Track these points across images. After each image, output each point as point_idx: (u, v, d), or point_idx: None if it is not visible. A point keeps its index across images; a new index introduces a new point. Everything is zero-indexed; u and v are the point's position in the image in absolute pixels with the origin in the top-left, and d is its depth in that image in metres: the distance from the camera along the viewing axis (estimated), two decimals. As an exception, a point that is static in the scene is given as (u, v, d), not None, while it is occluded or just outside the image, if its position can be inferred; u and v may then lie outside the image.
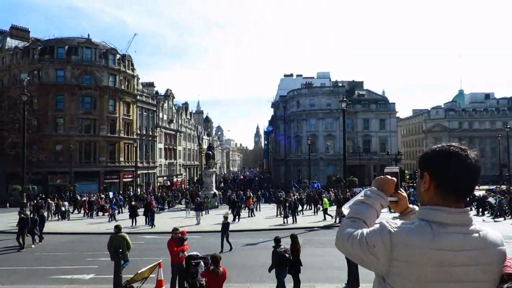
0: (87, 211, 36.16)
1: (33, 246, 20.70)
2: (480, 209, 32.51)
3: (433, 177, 1.79)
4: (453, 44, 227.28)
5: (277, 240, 11.05)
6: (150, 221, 28.37)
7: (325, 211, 30.41)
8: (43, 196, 40.65)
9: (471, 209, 23.33)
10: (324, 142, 73.28)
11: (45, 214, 27.90)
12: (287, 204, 29.46)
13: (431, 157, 1.83)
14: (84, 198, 40.48)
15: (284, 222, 28.49)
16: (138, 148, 61.86)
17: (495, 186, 48.59)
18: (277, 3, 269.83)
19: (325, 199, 32.52)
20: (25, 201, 30.63)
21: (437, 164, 1.79)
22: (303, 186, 55.50)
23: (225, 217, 18.89)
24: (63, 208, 34.32)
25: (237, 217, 30.44)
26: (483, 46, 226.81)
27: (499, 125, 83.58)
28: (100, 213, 36.39)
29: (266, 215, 33.91)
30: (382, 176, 2.00)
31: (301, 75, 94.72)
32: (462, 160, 1.75)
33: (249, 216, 32.91)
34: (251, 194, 39.33)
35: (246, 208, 34.70)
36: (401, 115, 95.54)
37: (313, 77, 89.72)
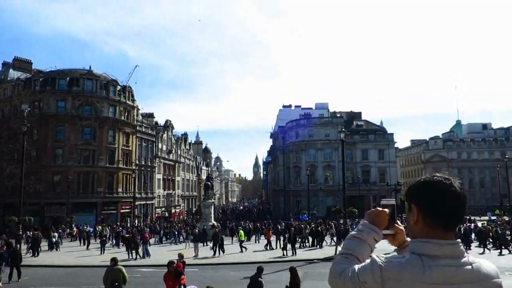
0: (86, 241, 35.86)
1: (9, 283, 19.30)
2: (482, 242, 31.34)
3: (420, 209, 1.78)
4: (449, 75, 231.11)
5: (260, 269, 11.41)
6: (146, 253, 28.21)
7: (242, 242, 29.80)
8: (36, 227, 40.07)
9: (473, 241, 22.70)
10: (323, 173, 73.15)
11: (24, 246, 27.11)
12: (286, 236, 29.07)
13: (416, 189, 1.83)
14: (88, 229, 40.39)
15: (283, 254, 28.04)
16: (136, 178, 61.56)
17: (496, 217, 48.15)
18: (275, 36, 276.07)
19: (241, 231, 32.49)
20: (20, 232, 30.17)
21: (423, 196, 1.78)
22: (294, 217, 54.64)
23: (213, 226, 18.61)
24: (53, 239, 33.87)
25: (243, 248, 30.29)
26: (479, 77, 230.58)
27: (498, 155, 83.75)
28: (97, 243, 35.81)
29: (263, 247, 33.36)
30: (374, 209, 1.98)
31: (299, 106, 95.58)
32: (446, 190, 1.74)
33: (265, 249, 31.92)
34: (268, 226, 38.67)
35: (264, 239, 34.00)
36: (399, 146, 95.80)
37: (311, 108, 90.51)
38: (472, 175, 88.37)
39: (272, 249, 30.10)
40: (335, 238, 31.17)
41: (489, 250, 29.32)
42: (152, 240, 33.94)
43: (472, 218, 44.86)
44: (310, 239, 33.47)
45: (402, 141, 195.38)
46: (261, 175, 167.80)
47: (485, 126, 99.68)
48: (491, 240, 31.15)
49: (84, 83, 58.01)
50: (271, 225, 40.45)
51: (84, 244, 36.19)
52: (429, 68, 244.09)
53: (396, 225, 1.97)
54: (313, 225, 36.85)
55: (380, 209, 1.94)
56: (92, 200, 55.62)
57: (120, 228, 42.81)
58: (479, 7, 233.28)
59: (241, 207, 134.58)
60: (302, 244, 32.78)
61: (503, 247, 28.38)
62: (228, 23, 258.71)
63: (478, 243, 31.32)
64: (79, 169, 55.05)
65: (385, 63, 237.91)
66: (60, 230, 39.28)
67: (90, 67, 60.45)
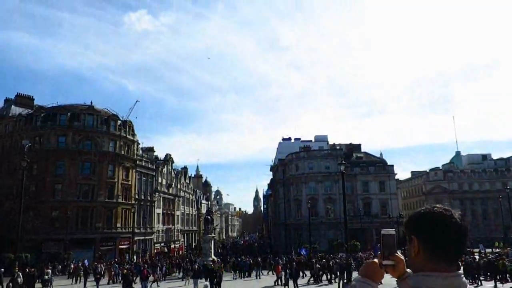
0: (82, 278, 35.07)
1: None
2: (492, 275, 29.90)
3: (421, 241, 1.76)
4: (447, 106, 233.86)
5: None
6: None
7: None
8: (32, 265, 39.25)
9: (480, 275, 22.11)
10: (324, 206, 72.56)
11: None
12: (287, 271, 28.47)
13: (416, 220, 1.82)
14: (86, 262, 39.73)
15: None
16: (135, 213, 60.94)
17: (502, 249, 47.32)
18: (274, 70, 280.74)
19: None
20: (17, 270, 29.54)
21: (423, 228, 1.77)
22: (294, 252, 53.61)
23: (214, 261, 18.08)
24: (46, 276, 33.01)
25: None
26: (477, 108, 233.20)
27: (499, 186, 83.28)
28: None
29: (267, 283, 32.58)
30: (365, 262, 1.97)
31: (299, 139, 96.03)
32: (447, 221, 1.72)
33: (275, 285, 31.11)
34: (279, 261, 37.61)
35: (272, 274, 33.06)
36: (399, 177, 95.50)
37: (311, 141, 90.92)
38: (474, 206, 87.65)
39: (286, 285, 28.68)
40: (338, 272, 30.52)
41: (502, 283, 27.96)
42: (151, 277, 33.17)
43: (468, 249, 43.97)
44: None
45: (402, 172, 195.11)
46: (262, 208, 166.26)
47: (484, 157, 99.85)
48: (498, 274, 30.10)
49: (85, 118, 58.51)
50: (280, 259, 39.55)
51: (77, 281, 35.29)
52: (426, 99, 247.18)
53: (396, 254, 1.96)
54: (323, 260, 35.98)
55: (370, 261, 1.92)
56: (90, 236, 54.83)
57: (117, 265, 41.88)
58: (465, 43, 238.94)
59: (242, 242, 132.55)
60: (316, 280, 31.99)
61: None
62: (228, 57, 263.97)
63: (484, 277, 30.30)
64: (78, 204, 54.60)
65: (382, 94, 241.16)
66: (50, 267, 38.42)
67: (91, 102, 61.24)
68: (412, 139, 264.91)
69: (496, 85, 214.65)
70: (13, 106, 63.24)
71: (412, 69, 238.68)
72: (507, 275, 28.80)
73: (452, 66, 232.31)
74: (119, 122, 62.30)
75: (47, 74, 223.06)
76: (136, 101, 70.02)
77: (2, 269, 30.87)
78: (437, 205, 1.82)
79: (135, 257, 55.26)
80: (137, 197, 64.80)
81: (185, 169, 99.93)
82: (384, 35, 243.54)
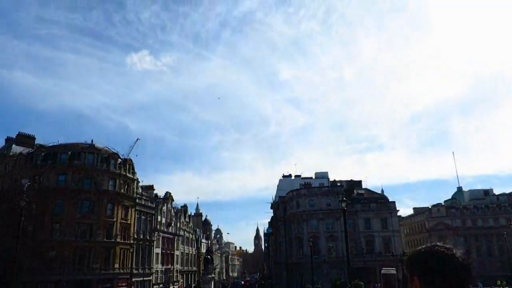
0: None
1: None
2: None
3: (422, 282, 1.72)
4: (446, 141, 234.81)
5: None
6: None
7: None
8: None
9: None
10: (326, 244, 71.32)
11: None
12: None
13: (417, 260, 1.79)
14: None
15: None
16: (134, 253, 59.81)
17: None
18: (273, 106, 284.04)
19: None
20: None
21: (424, 268, 1.73)
22: None
23: None
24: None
25: None
26: (476, 144, 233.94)
27: (503, 222, 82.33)
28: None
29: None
30: None
31: (299, 176, 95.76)
32: (448, 262, 1.69)
33: None
34: None
35: None
36: (402, 213, 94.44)
37: (311, 178, 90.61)
38: (479, 243, 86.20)
39: None
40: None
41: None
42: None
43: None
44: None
45: (404, 209, 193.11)
46: (263, 247, 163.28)
47: (487, 192, 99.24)
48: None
49: (85, 156, 58.62)
50: None
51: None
52: (425, 134, 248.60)
53: None
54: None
55: None
56: (88, 277, 53.51)
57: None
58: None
59: (242, 282, 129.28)
60: None
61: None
62: (228, 95, 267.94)
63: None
64: (76, 244, 53.67)
65: (380, 130, 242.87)
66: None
67: (92, 141, 61.55)
68: (412, 175, 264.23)
69: (494, 120, 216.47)
70: (14, 146, 63.54)
71: (409, 105, 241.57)
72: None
73: (448, 102, 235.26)
74: (119, 160, 62.37)
75: (49, 113, 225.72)
76: (137, 139, 70.42)
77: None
78: (438, 244, 1.79)
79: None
80: (136, 236, 63.81)
81: (184, 207, 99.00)
82: (380, 71, 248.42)
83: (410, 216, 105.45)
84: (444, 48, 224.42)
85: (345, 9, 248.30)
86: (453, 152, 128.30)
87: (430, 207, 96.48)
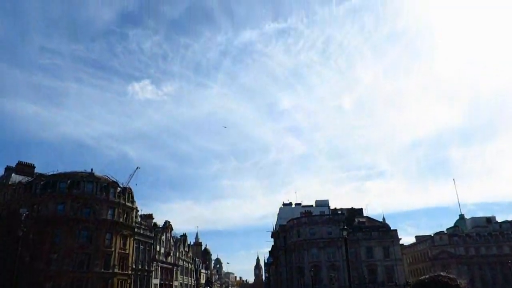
0: None
1: None
2: None
3: None
4: (446, 168, 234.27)
5: None
6: None
7: None
8: None
9: None
10: (328, 273, 70.01)
11: None
12: None
13: None
14: None
15: None
16: (132, 284, 58.63)
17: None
18: (272, 134, 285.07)
19: None
20: None
21: None
22: None
23: None
24: None
25: None
26: (476, 171, 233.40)
27: (507, 250, 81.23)
28: None
29: None
30: None
31: (300, 204, 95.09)
32: None
33: None
34: None
35: None
36: (404, 242, 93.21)
37: (312, 205, 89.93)
38: (482, 271, 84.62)
39: None
40: None
41: None
42: None
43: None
44: None
45: (406, 237, 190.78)
46: (263, 277, 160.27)
47: (489, 220, 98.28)
48: None
49: (84, 185, 58.37)
50: None
51: None
52: (425, 161, 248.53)
53: None
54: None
55: None
56: (84, 309, 52.29)
57: None
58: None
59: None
60: None
61: None
62: (228, 123, 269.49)
63: None
64: (73, 274, 52.67)
65: (380, 157, 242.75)
66: None
67: (91, 170, 61.43)
68: (413, 202, 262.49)
69: (493, 147, 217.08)
70: (13, 174, 63.37)
71: (408, 132, 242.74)
72: None
73: (447, 129, 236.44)
74: (118, 189, 62.07)
75: (50, 142, 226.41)
76: (137, 168, 70.42)
77: None
78: (442, 274, 1.78)
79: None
80: (134, 266, 62.70)
81: (184, 236, 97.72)
82: (379, 99, 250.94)
83: (412, 245, 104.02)
84: (441, 77, 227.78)
85: (343, 39, 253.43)
86: (453, 179, 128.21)
87: (432, 235, 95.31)
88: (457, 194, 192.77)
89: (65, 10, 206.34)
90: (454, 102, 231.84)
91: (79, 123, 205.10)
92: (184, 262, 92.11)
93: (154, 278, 69.99)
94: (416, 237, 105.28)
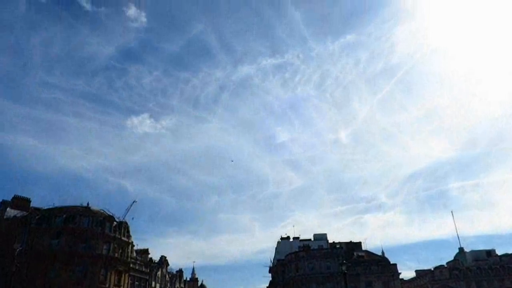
0: None
1: None
2: None
3: None
4: (445, 201, 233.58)
5: None
6: None
7: None
8: None
9: None
10: (328, 309, 68.52)
11: None
12: None
13: None
14: None
15: None
16: (126, 322, 56.96)
17: None
18: (270, 167, 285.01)
19: None
20: None
21: None
22: None
23: None
24: None
25: None
26: (475, 203, 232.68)
27: (508, 284, 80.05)
28: None
29: None
30: None
31: (298, 238, 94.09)
32: None
33: None
34: None
35: None
36: (403, 276, 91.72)
37: (310, 239, 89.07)
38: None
39: None
40: None
41: None
42: None
43: None
44: None
45: (405, 271, 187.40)
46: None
47: (489, 253, 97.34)
48: None
49: (80, 220, 57.80)
50: None
51: None
52: (423, 194, 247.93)
53: None
54: None
55: None
56: None
57: None
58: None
59: None
60: None
61: None
62: (226, 156, 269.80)
63: None
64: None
65: (379, 190, 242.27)
66: None
67: (88, 204, 61.02)
68: (413, 235, 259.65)
69: (490, 179, 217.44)
70: (8, 209, 62.63)
71: (406, 165, 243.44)
72: None
73: (444, 161, 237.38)
74: (114, 223, 61.46)
75: (47, 176, 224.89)
76: (133, 202, 69.76)
77: None
78: None
79: None
80: (129, 303, 61.15)
81: (180, 272, 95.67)
82: (375, 132, 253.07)
83: (412, 279, 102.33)
84: (436, 109, 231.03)
85: (338, 74, 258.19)
86: (452, 212, 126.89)
87: (432, 269, 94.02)
88: (456, 226, 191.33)
89: (67, 46, 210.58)
90: (450, 134, 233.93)
91: (77, 157, 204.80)
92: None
93: (149, 316, 68.07)
94: (416, 271, 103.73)
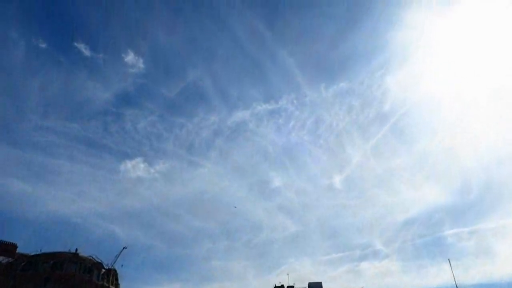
0: None
1: None
2: None
3: None
4: (441, 248, 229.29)
5: None
6: None
7: None
8: None
9: None
10: None
11: None
12: None
13: None
14: None
15: None
16: None
17: None
18: (264, 213, 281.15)
19: None
20: None
21: None
22: None
23: None
24: None
25: None
26: (472, 250, 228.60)
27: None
28: None
29: None
30: None
31: (292, 286, 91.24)
32: None
33: None
34: None
35: None
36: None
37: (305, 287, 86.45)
38: None
39: None
40: None
41: None
42: None
43: None
44: None
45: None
46: None
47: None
48: None
49: (68, 266, 56.09)
50: None
51: None
52: (419, 241, 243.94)
53: None
54: None
55: None
56: None
57: None
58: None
59: None
60: None
61: None
62: (220, 202, 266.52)
63: None
64: None
65: (374, 237, 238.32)
66: None
67: (76, 250, 59.42)
68: (410, 283, 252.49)
69: (486, 225, 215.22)
70: (-6, 255, 60.92)
71: (400, 211, 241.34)
72: None
73: (439, 208, 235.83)
74: (103, 270, 59.67)
75: (36, 220, 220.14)
76: (123, 248, 67.93)
77: None
78: None
79: None
80: None
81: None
82: (368, 178, 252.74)
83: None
84: (428, 156, 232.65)
85: (332, 120, 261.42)
86: (449, 260, 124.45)
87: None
88: (453, 274, 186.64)
89: (65, 90, 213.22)
90: (443, 180, 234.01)
91: (68, 201, 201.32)
92: None
93: None
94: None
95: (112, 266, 62.66)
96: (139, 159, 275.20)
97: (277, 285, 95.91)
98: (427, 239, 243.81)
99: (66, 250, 59.28)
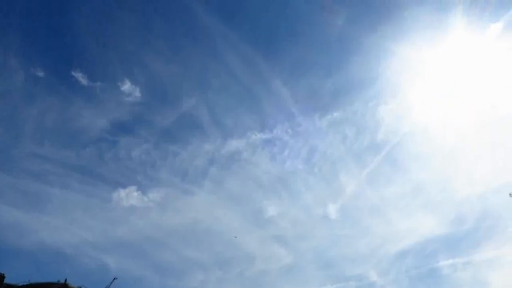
0: None
1: None
2: None
3: None
4: (436, 278, 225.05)
5: None
6: None
7: None
8: None
9: None
10: None
11: None
12: None
13: None
14: None
15: None
16: None
17: None
18: (258, 243, 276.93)
19: None
20: None
21: None
22: None
23: None
24: None
25: None
26: (467, 280, 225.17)
27: None
28: None
29: None
30: None
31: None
32: None
33: None
34: None
35: None
36: None
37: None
38: None
39: None
40: None
41: None
42: None
43: None
44: None
45: None
46: None
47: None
48: None
49: (56, 297, 55.11)
50: None
51: None
52: (413, 271, 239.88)
53: None
54: None
55: None
56: None
57: None
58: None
59: None
60: None
61: None
62: (213, 231, 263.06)
63: None
64: None
65: (369, 267, 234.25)
66: None
67: (65, 280, 58.48)
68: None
69: (481, 256, 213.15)
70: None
71: (395, 241, 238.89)
72: None
73: (433, 238, 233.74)
74: (92, 302, 58.50)
75: (26, 250, 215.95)
76: (113, 279, 66.62)
77: None
78: None
79: None
80: None
81: None
82: (362, 208, 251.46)
83: None
84: (422, 185, 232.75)
85: (326, 149, 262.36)
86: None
87: None
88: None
89: (61, 118, 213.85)
90: (437, 210, 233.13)
91: (59, 229, 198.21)
92: None
93: None
94: None
95: (101, 297, 61.47)
96: (132, 188, 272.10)
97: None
98: (422, 270, 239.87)
99: (55, 280, 58.31)
